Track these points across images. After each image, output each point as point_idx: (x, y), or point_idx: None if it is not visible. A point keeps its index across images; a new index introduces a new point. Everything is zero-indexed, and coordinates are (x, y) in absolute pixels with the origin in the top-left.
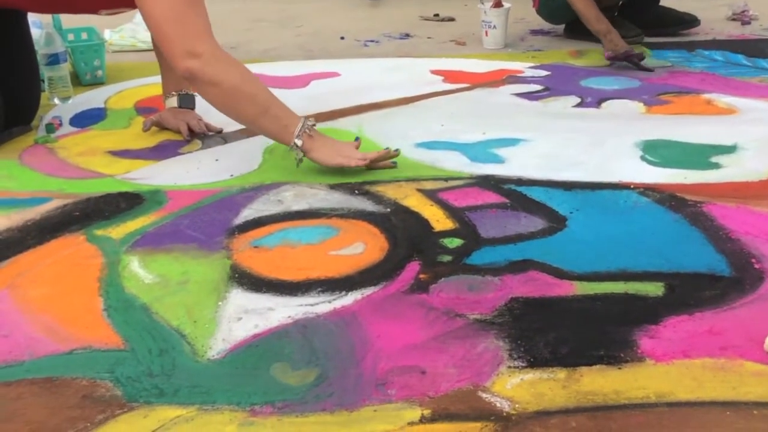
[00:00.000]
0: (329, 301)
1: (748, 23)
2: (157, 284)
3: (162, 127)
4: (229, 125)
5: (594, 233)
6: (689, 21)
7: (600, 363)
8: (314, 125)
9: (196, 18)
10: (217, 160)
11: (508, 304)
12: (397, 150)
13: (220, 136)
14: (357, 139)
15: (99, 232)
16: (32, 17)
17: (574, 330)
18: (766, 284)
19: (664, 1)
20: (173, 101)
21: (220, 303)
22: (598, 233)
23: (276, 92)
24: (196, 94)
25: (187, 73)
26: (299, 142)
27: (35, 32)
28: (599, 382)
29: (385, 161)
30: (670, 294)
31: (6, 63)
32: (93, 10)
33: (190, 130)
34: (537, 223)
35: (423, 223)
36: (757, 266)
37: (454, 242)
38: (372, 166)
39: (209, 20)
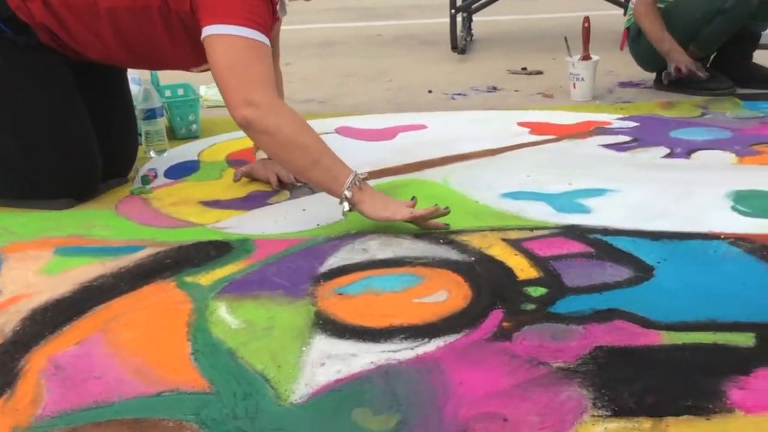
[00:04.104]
0: (412, 348)
1: None
2: (243, 329)
3: (252, 178)
4: None
5: (682, 283)
6: None
7: (687, 413)
8: (365, 179)
9: (258, 68)
10: (304, 209)
11: (592, 352)
12: (447, 208)
13: (308, 187)
14: (413, 198)
15: (189, 279)
16: (131, 74)
17: (660, 380)
18: None
19: (762, 55)
20: (263, 153)
21: (304, 348)
22: (687, 283)
23: (364, 144)
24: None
25: (243, 121)
26: (348, 194)
27: (134, 88)
28: None
29: (435, 221)
30: (761, 345)
31: (106, 118)
32: (185, 67)
33: (279, 181)
34: (623, 273)
35: (507, 272)
36: None
37: (538, 291)
38: (421, 225)
39: (271, 71)
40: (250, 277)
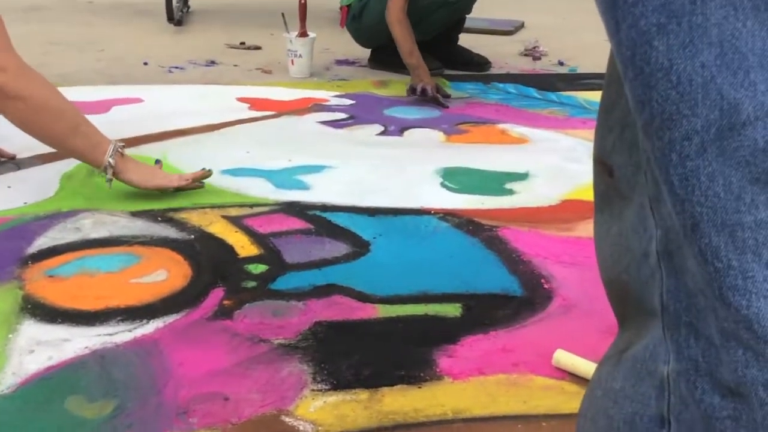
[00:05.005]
0: (129, 330)
1: (539, 59)
2: None
3: None
4: (23, 151)
5: (396, 257)
6: (479, 63)
7: (401, 383)
8: (123, 147)
9: None
10: (9, 187)
11: (312, 328)
12: (210, 170)
13: (13, 163)
14: (158, 161)
15: None
16: None
17: (376, 352)
18: (555, 303)
19: (464, 38)
20: None
21: (10, 336)
22: (400, 257)
23: None
24: None
25: None
26: (112, 161)
27: None
28: (400, 402)
29: (193, 184)
30: (467, 314)
31: None
32: None
33: None
34: (341, 248)
35: (227, 250)
36: (546, 286)
37: (258, 268)
38: (181, 187)
39: (7, 34)
40: None
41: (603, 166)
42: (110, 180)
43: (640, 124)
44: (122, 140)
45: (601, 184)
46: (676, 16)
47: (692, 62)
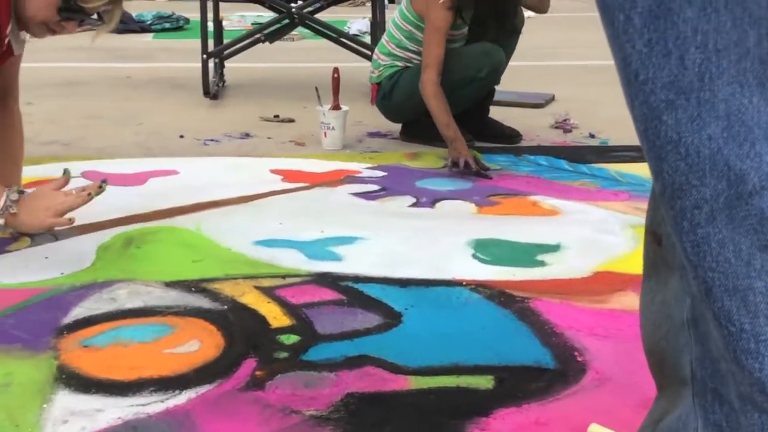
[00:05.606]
0: (162, 401)
1: (570, 131)
2: None
3: None
4: None
5: (428, 329)
6: (510, 136)
7: None
8: (22, 192)
9: None
10: (47, 257)
11: (344, 399)
12: (105, 180)
13: (51, 233)
14: (65, 171)
15: None
16: None
17: (408, 424)
18: (588, 376)
19: (495, 111)
20: None
21: (45, 405)
22: (432, 329)
23: (112, 190)
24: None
25: None
26: (1, 221)
27: None
28: None
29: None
30: (500, 386)
31: None
32: None
33: None
34: (373, 320)
35: (260, 320)
36: (579, 359)
37: (291, 339)
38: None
39: None
40: None
41: (653, 235)
42: (11, 234)
43: (657, 193)
44: (159, 211)
45: (650, 252)
46: (685, 92)
47: (699, 135)
